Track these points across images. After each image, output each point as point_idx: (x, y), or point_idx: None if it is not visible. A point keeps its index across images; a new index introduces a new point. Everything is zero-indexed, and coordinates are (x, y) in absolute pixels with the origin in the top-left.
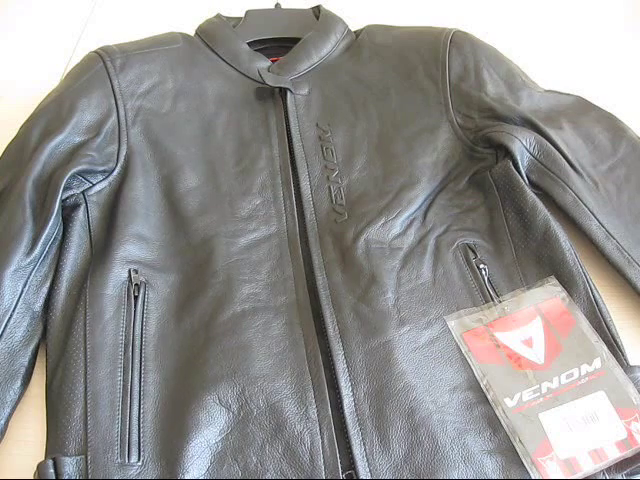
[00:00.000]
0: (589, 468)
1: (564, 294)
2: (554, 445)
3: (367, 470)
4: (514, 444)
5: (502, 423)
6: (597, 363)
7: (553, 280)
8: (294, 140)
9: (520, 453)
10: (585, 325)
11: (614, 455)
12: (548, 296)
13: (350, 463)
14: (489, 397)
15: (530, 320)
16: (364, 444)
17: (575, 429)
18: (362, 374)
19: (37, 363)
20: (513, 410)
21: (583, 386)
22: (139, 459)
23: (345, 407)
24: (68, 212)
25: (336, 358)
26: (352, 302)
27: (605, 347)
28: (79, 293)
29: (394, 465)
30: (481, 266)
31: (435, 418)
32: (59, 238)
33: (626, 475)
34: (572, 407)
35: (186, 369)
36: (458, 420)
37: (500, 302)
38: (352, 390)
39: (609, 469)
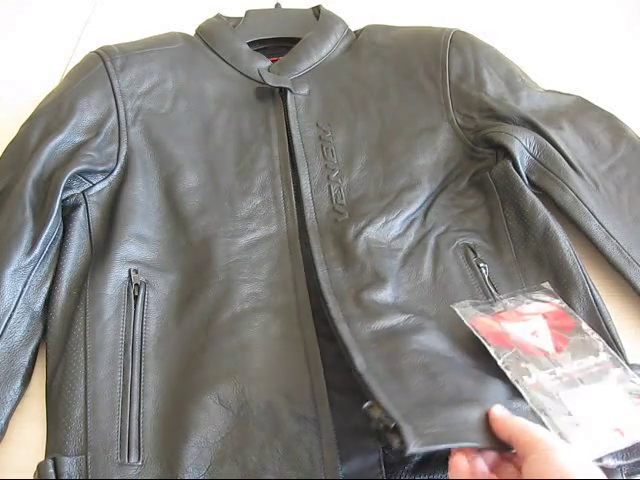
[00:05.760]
0: (607, 447)
1: (558, 300)
2: (577, 420)
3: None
4: (540, 416)
5: (525, 398)
6: (604, 356)
7: (547, 287)
8: (294, 140)
9: (547, 423)
10: (585, 326)
11: (632, 438)
12: (545, 300)
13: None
14: (508, 374)
15: (532, 317)
16: None
17: (594, 409)
18: (372, 346)
19: (37, 363)
20: (534, 387)
21: (595, 374)
22: (139, 459)
23: None
24: (68, 212)
25: (345, 337)
26: (353, 293)
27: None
28: (79, 293)
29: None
30: (481, 265)
31: (453, 371)
32: (59, 238)
33: (626, 475)
34: (589, 389)
35: (186, 369)
36: (478, 374)
37: (501, 299)
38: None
39: (622, 452)
